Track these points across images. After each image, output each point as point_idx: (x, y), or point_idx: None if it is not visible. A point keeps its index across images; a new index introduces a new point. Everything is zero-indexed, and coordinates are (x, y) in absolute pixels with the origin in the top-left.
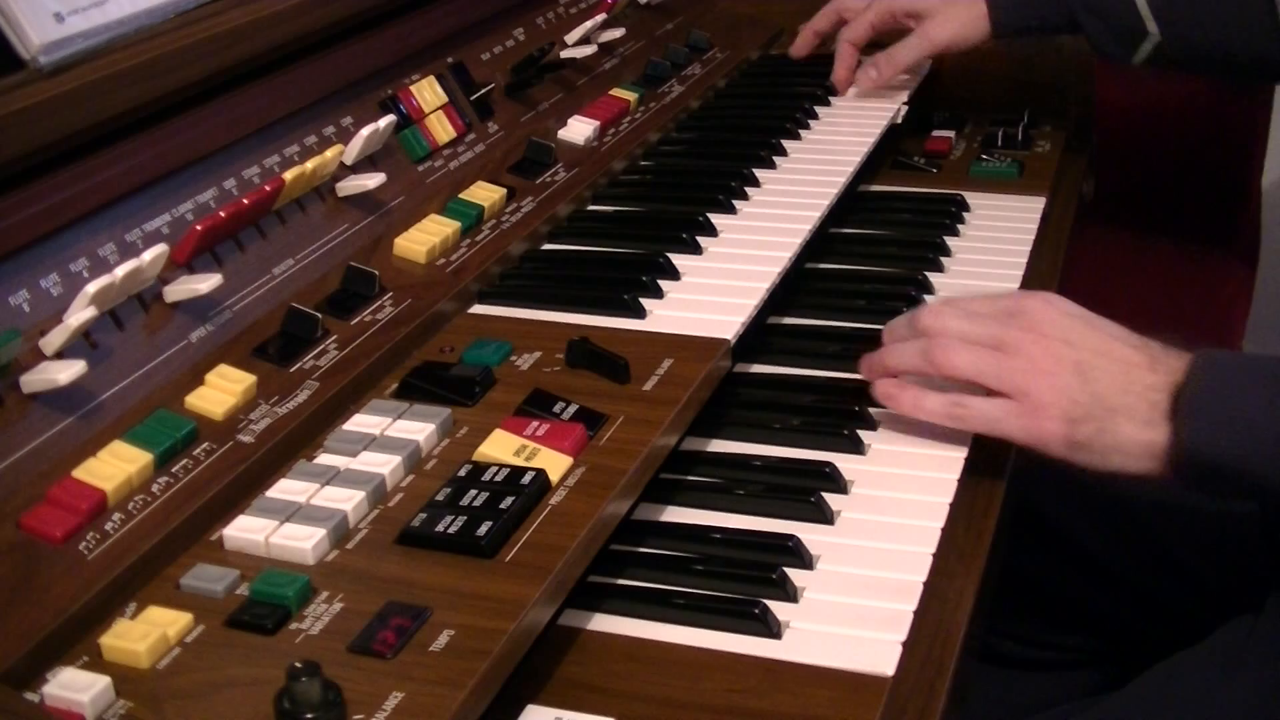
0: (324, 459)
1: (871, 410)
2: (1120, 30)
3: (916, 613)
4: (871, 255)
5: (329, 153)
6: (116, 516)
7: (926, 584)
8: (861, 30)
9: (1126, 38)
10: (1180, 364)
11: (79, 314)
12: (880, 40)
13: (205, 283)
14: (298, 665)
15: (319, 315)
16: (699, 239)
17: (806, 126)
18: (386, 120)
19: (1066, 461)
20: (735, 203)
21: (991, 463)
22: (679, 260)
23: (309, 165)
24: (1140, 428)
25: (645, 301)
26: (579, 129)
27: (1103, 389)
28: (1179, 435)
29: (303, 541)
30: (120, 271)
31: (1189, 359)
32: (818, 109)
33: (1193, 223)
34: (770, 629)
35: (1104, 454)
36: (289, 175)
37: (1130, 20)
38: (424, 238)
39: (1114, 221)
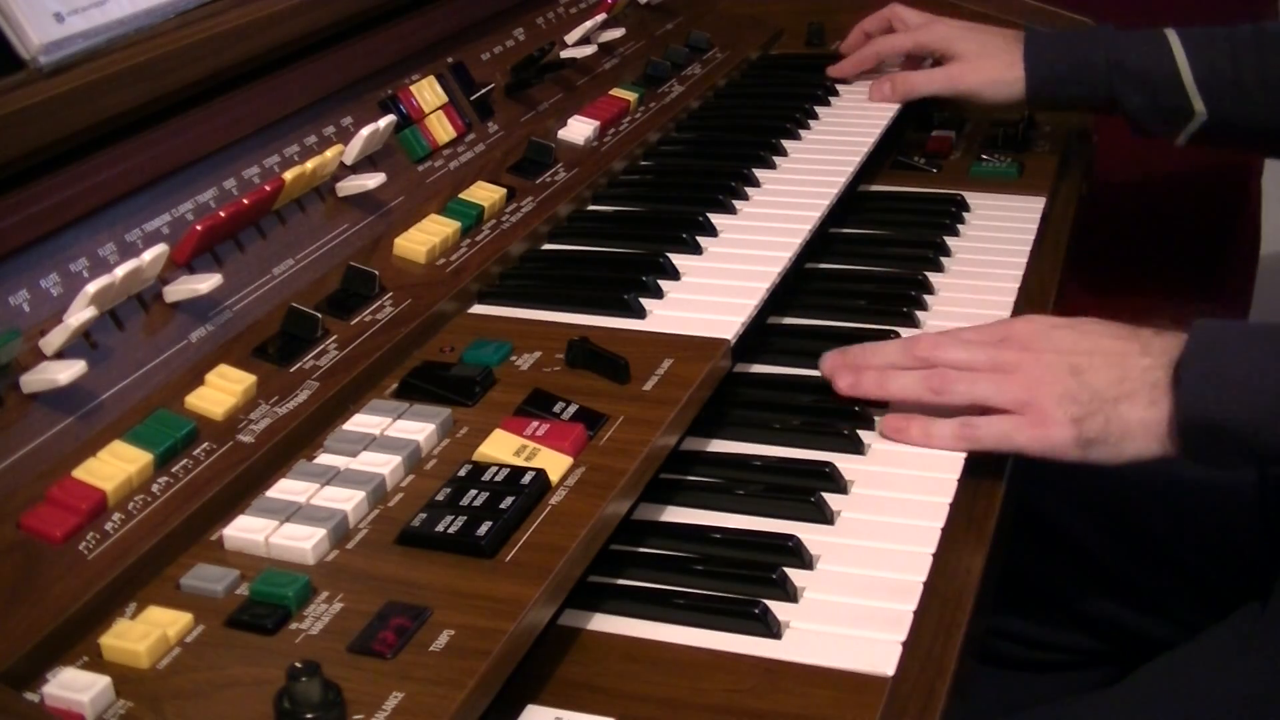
0: (324, 459)
1: (877, 415)
2: (1166, 109)
3: (916, 613)
4: (871, 255)
5: (329, 153)
6: (116, 516)
7: (926, 584)
8: (896, 49)
9: (1172, 117)
10: (1176, 341)
11: (79, 314)
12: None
13: (205, 283)
14: (298, 665)
15: (319, 315)
16: (699, 239)
17: (806, 126)
18: (386, 120)
19: (1085, 465)
20: (735, 203)
21: (991, 463)
22: (679, 260)
23: (309, 165)
24: (1145, 409)
25: (645, 301)
26: (579, 129)
27: (1100, 383)
28: (1176, 403)
29: (303, 541)
30: (120, 271)
31: (1185, 334)
32: (818, 109)
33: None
34: (770, 629)
35: (1117, 445)
36: (289, 175)
37: (1177, 99)
38: (424, 238)
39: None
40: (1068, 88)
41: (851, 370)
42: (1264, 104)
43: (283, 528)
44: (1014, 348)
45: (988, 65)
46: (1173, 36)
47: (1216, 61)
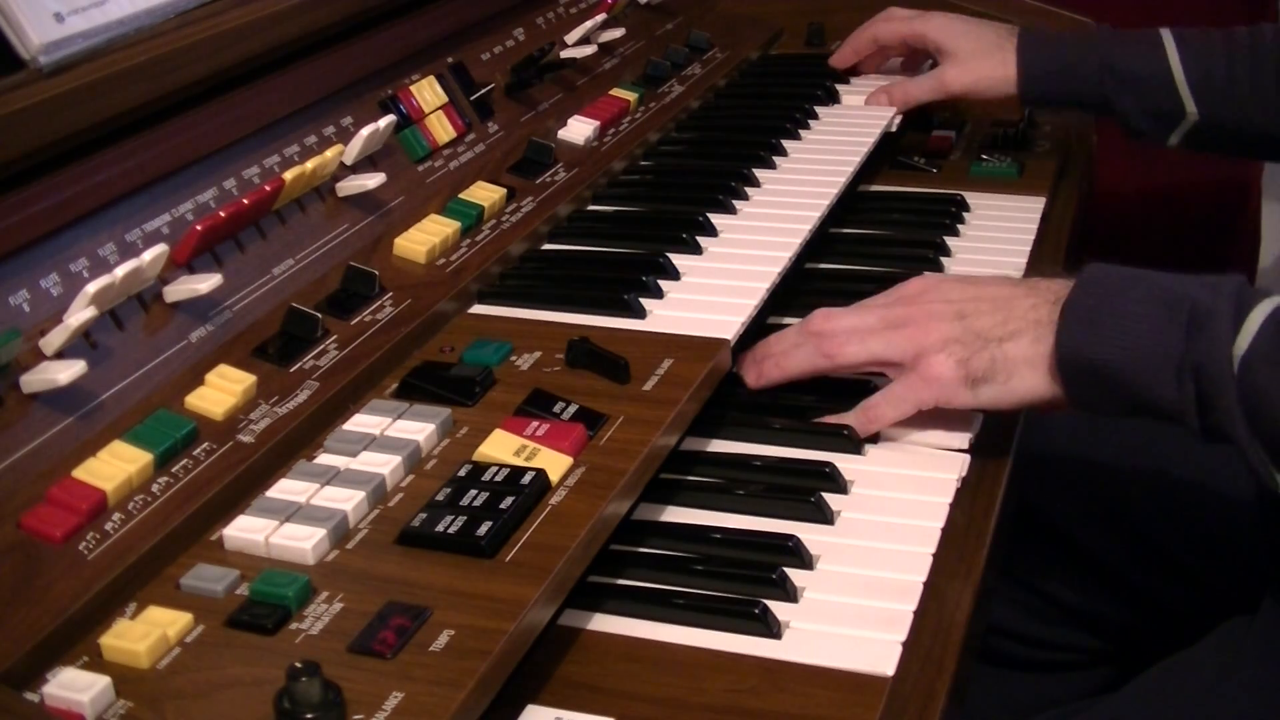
0: (324, 459)
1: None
2: (1157, 111)
3: (916, 613)
4: (871, 255)
5: (329, 153)
6: (116, 516)
7: (926, 584)
8: (892, 36)
9: (1163, 118)
10: (1066, 285)
11: (79, 314)
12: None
13: (205, 283)
14: (298, 665)
15: (319, 315)
16: (699, 239)
17: (806, 126)
18: (386, 120)
19: (977, 408)
20: (735, 203)
21: (992, 462)
22: (679, 260)
23: (309, 165)
24: (1029, 345)
25: (645, 301)
26: (579, 129)
27: (983, 325)
28: (1056, 340)
29: (303, 541)
30: (120, 271)
31: (1074, 276)
32: (818, 109)
33: (1192, 219)
34: (770, 629)
35: (1005, 383)
36: (289, 175)
37: (1169, 102)
38: (424, 238)
39: (1112, 223)
40: (1060, 86)
41: (756, 362)
42: (1256, 107)
43: (283, 528)
44: (904, 303)
45: (980, 64)
46: (1167, 37)
47: (1210, 63)
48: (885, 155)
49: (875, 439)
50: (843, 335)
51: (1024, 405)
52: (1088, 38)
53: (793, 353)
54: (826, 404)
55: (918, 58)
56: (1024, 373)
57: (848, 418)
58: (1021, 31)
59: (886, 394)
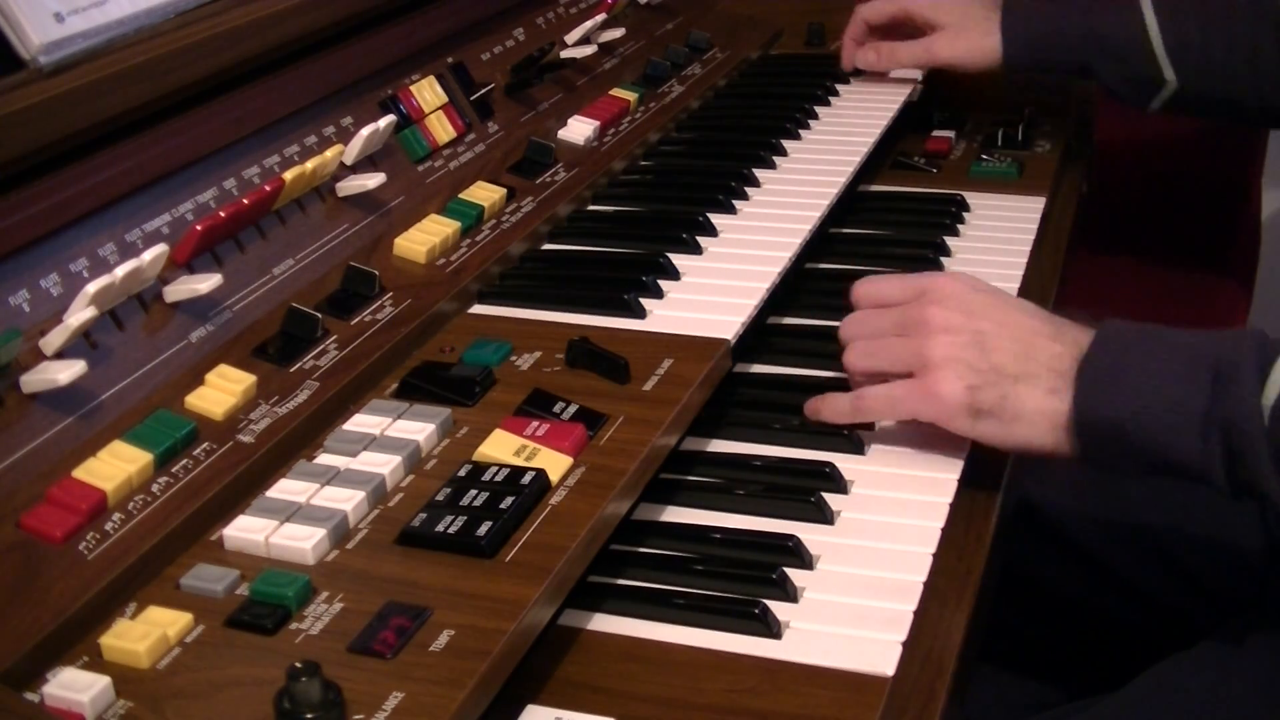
0: (324, 459)
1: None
2: (1137, 78)
3: (916, 613)
4: (871, 255)
5: (329, 153)
6: (116, 516)
7: (926, 584)
8: (879, 15)
9: (1144, 85)
10: (1087, 336)
11: (79, 314)
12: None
13: (205, 283)
14: (298, 665)
15: (319, 315)
16: (699, 239)
17: (806, 126)
18: (386, 120)
19: (972, 438)
20: (735, 203)
21: (992, 462)
22: (679, 260)
23: (309, 165)
24: (1044, 396)
25: (645, 301)
26: (579, 129)
27: (1003, 359)
28: (1074, 397)
29: (303, 541)
30: (120, 271)
31: (1095, 329)
32: (818, 109)
33: (1192, 219)
34: (770, 629)
35: (1008, 424)
36: (289, 175)
37: (1148, 69)
38: (424, 238)
39: (1113, 223)
40: (1043, 54)
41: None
42: (1232, 74)
43: (283, 528)
44: (924, 302)
45: (965, 35)
46: (1145, 4)
47: (1186, 30)
48: (885, 155)
49: (874, 433)
50: (853, 345)
51: (1019, 450)
52: (1070, 4)
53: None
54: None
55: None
56: (1032, 420)
57: (840, 398)
58: (1005, 2)
59: (885, 391)
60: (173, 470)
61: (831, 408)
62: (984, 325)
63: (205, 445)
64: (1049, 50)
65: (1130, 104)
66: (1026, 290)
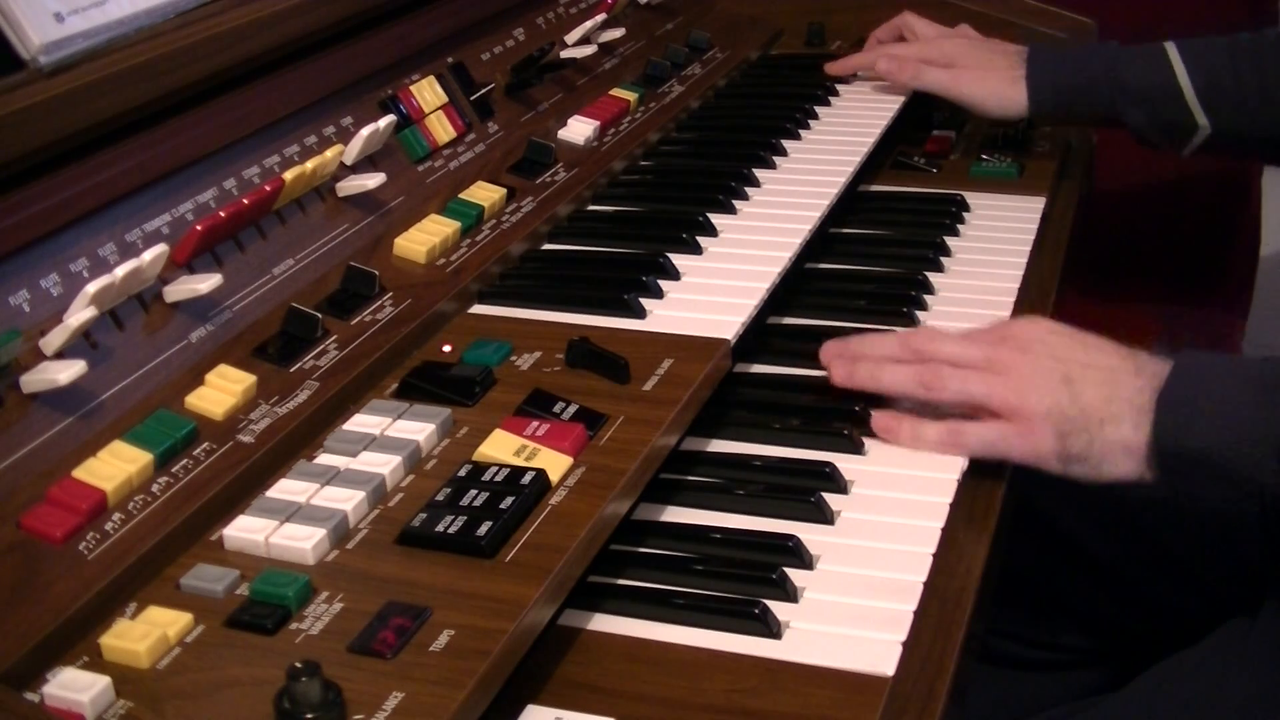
0: (324, 459)
1: (872, 410)
2: (1170, 125)
3: (916, 613)
4: (871, 255)
5: (329, 153)
6: (116, 516)
7: (926, 584)
8: (900, 72)
9: (1176, 131)
10: (1165, 367)
11: (79, 314)
12: None
13: (205, 283)
14: (298, 665)
15: (319, 315)
16: (699, 239)
17: (806, 126)
18: (386, 120)
19: (1063, 477)
20: (735, 203)
21: (991, 463)
22: (679, 260)
23: (309, 165)
24: (1129, 431)
25: (645, 301)
26: (579, 129)
27: (1090, 400)
28: (1154, 428)
29: (303, 541)
30: (120, 271)
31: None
32: (818, 109)
33: (1193, 218)
34: (770, 629)
35: (1096, 465)
36: (289, 175)
37: (1180, 115)
38: (424, 238)
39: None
40: (1070, 105)
41: (848, 360)
42: (1265, 114)
43: (283, 528)
44: (1010, 348)
45: (991, 79)
46: (1172, 51)
47: (1216, 73)
48: (885, 155)
49: (871, 435)
50: (946, 367)
51: (1110, 484)
52: (1094, 54)
53: (891, 369)
54: (827, 404)
55: None
56: (1118, 458)
57: (929, 426)
58: (1030, 51)
59: (983, 431)
60: (173, 470)
61: (914, 433)
62: (1071, 368)
63: (205, 445)
64: (1076, 102)
65: (1163, 150)
66: (1026, 290)
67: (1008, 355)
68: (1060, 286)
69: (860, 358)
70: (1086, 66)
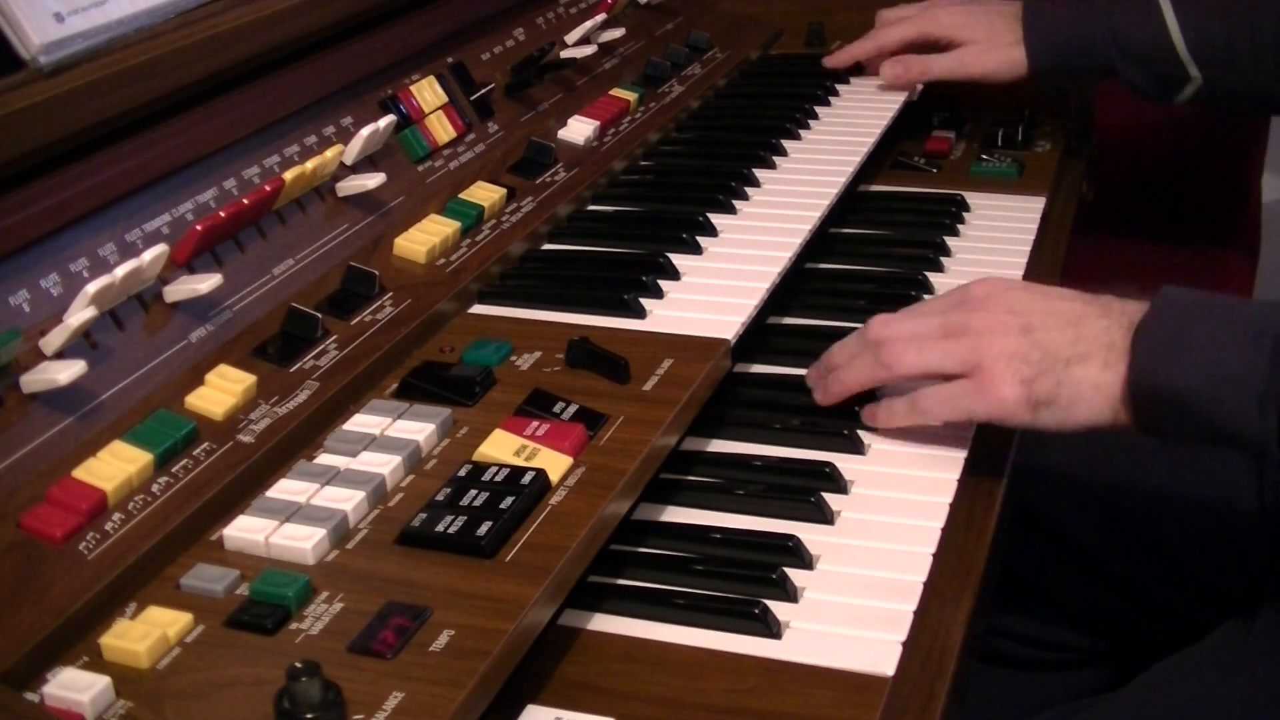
0: (324, 459)
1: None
2: (1161, 76)
3: (916, 613)
4: (871, 255)
5: (329, 153)
6: (116, 516)
7: (926, 584)
8: (898, 42)
9: (1168, 82)
10: (1138, 307)
11: (79, 314)
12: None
13: (205, 283)
14: (298, 665)
15: (319, 315)
16: (699, 239)
17: (806, 126)
18: (386, 120)
19: (1035, 429)
20: (735, 203)
21: (991, 463)
22: (679, 260)
23: (309, 165)
24: (1098, 370)
25: (645, 301)
26: (579, 129)
27: (1053, 343)
28: (1130, 367)
29: (303, 541)
30: (120, 271)
31: (1148, 300)
32: (818, 109)
33: (1193, 217)
34: (770, 629)
35: (1067, 408)
36: (289, 175)
37: (1171, 66)
38: (424, 238)
39: (1113, 222)
40: (1068, 60)
41: (822, 377)
42: (1257, 67)
43: (283, 528)
44: (966, 310)
45: (994, 48)
46: (1164, 2)
47: (1208, 26)
48: (885, 155)
49: (874, 433)
50: (901, 342)
51: (1084, 430)
52: (1089, 8)
53: (852, 365)
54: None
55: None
56: (1090, 398)
57: (896, 401)
58: (1025, 9)
59: (941, 392)
60: (173, 470)
61: (888, 411)
62: (1030, 318)
63: (205, 445)
64: (1072, 55)
65: (1156, 101)
66: None
67: (963, 317)
68: (1060, 286)
69: (831, 369)
70: (1081, 21)
